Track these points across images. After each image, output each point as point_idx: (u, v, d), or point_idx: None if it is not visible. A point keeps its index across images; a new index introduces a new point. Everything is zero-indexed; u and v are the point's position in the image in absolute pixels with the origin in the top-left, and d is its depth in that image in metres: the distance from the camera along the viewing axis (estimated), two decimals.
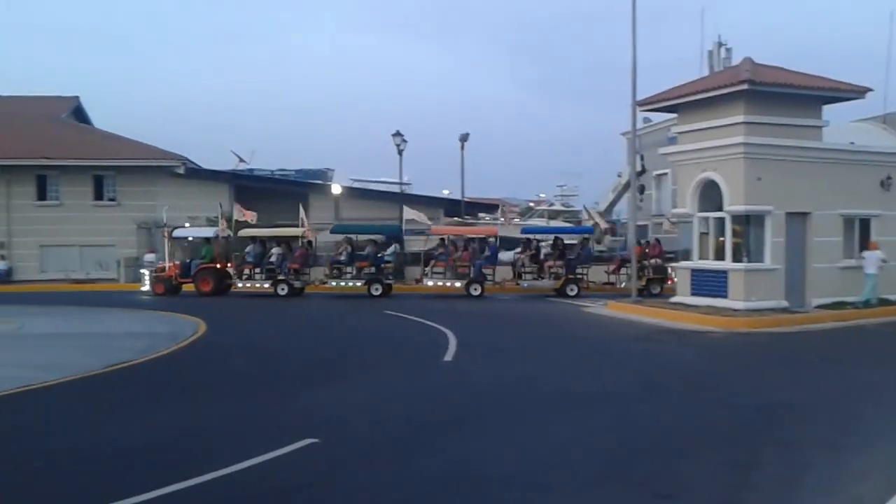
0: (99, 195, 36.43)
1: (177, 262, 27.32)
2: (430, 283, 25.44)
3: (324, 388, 9.78)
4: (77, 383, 10.00)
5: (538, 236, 27.77)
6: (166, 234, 27.94)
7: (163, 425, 7.71)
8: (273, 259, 26.17)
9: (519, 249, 26.59)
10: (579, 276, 25.05)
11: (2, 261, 35.00)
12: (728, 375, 10.79)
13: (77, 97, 44.93)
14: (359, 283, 25.39)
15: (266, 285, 25.69)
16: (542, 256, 26.18)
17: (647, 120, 33.90)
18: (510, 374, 10.66)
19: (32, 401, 9.05)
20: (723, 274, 17.71)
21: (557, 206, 59.44)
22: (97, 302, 23.32)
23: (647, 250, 24.94)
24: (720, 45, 34.20)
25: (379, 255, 25.86)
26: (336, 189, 35.98)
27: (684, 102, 18.67)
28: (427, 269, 25.65)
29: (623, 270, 25.12)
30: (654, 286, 24.27)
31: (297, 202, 36.69)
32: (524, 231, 28.22)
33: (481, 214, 40.38)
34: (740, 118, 17.11)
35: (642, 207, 33.47)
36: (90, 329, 16.10)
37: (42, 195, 36.29)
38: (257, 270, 25.94)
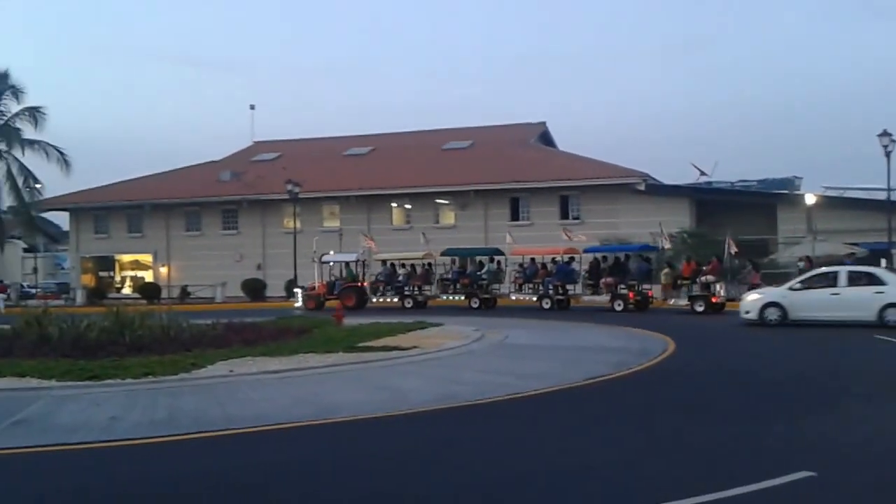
0: (564, 214, 39.29)
1: (324, 282, 33.18)
2: (514, 298, 30.23)
3: (813, 416, 9.14)
4: (558, 394, 10.81)
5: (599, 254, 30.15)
6: (316, 258, 33.50)
7: (636, 442, 7.91)
8: (400, 278, 32.31)
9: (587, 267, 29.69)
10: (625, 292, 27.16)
11: None
12: None
13: (544, 122, 49.17)
14: (462, 297, 30.57)
15: (395, 300, 31.45)
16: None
17: None
18: None
19: (520, 408, 10.01)
20: None
21: None
22: (569, 317, 25.17)
23: (703, 267, 26.34)
24: None
25: (477, 272, 31.08)
26: (810, 199, 33.54)
27: None
28: (512, 285, 30.72)
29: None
30: (698, 303, 25.60)
31: (762, 214, 35.26)
32: (586, 250, 30.46)
33: None
34: None
35: None
36: (564, 342, 17.38)
37: (515, 216, 40.39)
38: (388, 287, 32.34)
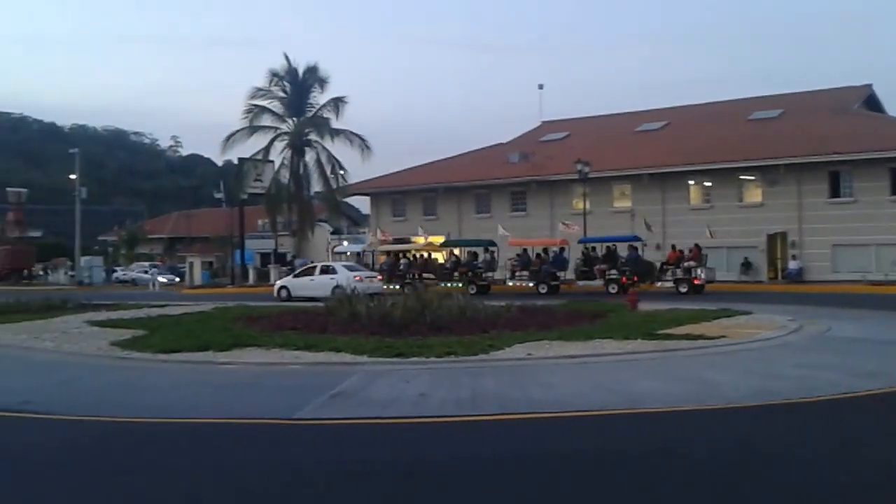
0: None
1: None
2: (510, 284, 34.51)
3: None
4: None
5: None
6: (330, 248, 38.35)
7: None
8: (402, 267, 36.94)
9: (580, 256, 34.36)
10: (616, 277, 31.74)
11: (793, 260, 36.97)
12: None
13: (869, 85, 44.64)
14: (460, 284, 33.42)
15: (396, 287, 33.94)
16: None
17: None
18: None
19: (856, 409, 9.15)
20: None
21: None
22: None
23: (686, 252, 31.57)
24: None
25: (473, 262, 35.83)
26: None
27: None
28: (507, 273, 35.20)
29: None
30: (682, 285, 30.48)
31: None
32: (580, 240, 35.33)
33: None
34: None
35: None
36: None
37: (835, 192, 37.03)
38: (392, 275, 36.22)
